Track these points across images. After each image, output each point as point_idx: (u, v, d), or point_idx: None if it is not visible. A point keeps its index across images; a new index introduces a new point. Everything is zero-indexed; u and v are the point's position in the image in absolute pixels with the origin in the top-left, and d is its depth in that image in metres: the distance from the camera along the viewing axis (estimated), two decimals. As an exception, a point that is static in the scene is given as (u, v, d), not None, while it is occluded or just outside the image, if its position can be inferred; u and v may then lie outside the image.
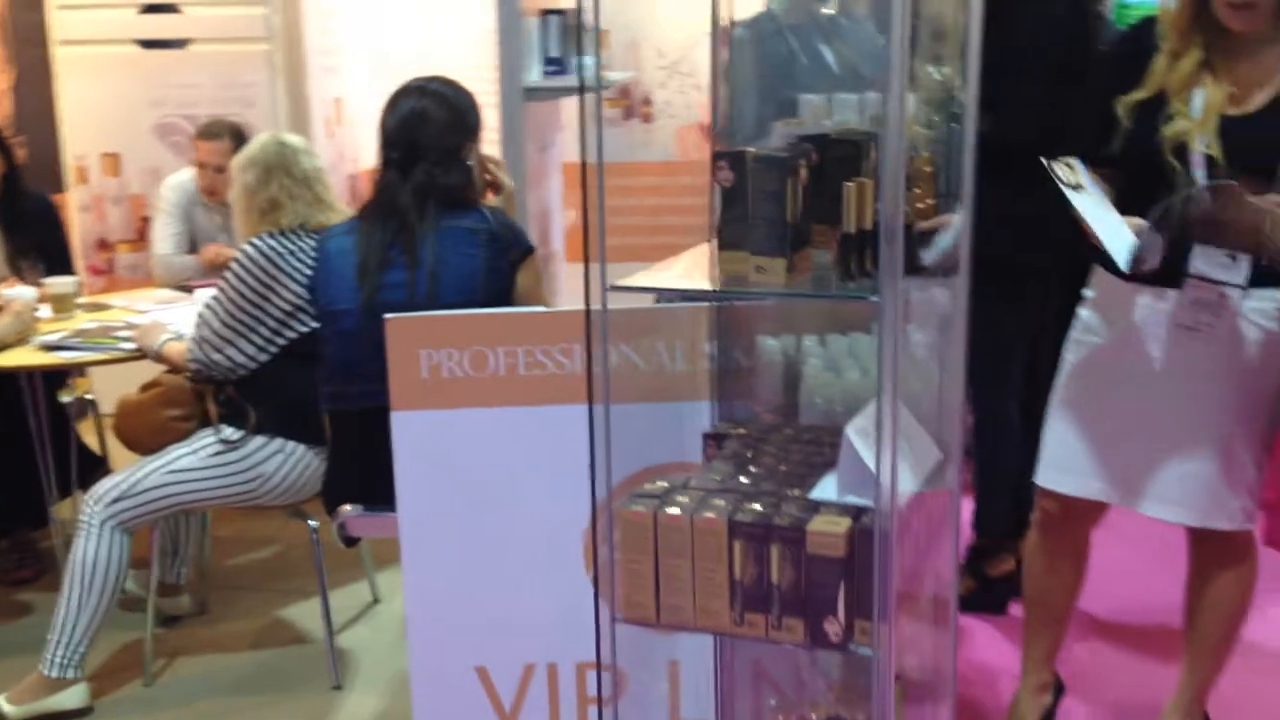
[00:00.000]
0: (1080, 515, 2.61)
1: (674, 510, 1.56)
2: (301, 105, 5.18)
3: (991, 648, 3.19)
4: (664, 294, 1.93)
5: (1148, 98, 2.30)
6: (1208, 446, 2.37)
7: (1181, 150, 2.24)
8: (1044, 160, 2.21)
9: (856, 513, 1.53)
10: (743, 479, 1.68)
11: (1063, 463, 2.54)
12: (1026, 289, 3.28)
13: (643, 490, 1.63)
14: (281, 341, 3.05)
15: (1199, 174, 2.22)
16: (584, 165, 1.57)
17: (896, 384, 1.46)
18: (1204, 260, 2.21)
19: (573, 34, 4.62)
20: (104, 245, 5.28)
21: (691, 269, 1.87)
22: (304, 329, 3.05)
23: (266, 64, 5.11)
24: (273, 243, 3.01)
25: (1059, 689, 2.85)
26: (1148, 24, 2.38)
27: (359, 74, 5.32)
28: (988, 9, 2.52)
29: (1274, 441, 2.41)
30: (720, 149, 1.58)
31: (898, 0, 1.34)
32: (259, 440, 3.06)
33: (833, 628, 1.52)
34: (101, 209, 5.25)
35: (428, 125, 2.57)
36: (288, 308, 3.02)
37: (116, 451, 3.77)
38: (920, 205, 1.69)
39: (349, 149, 5.41)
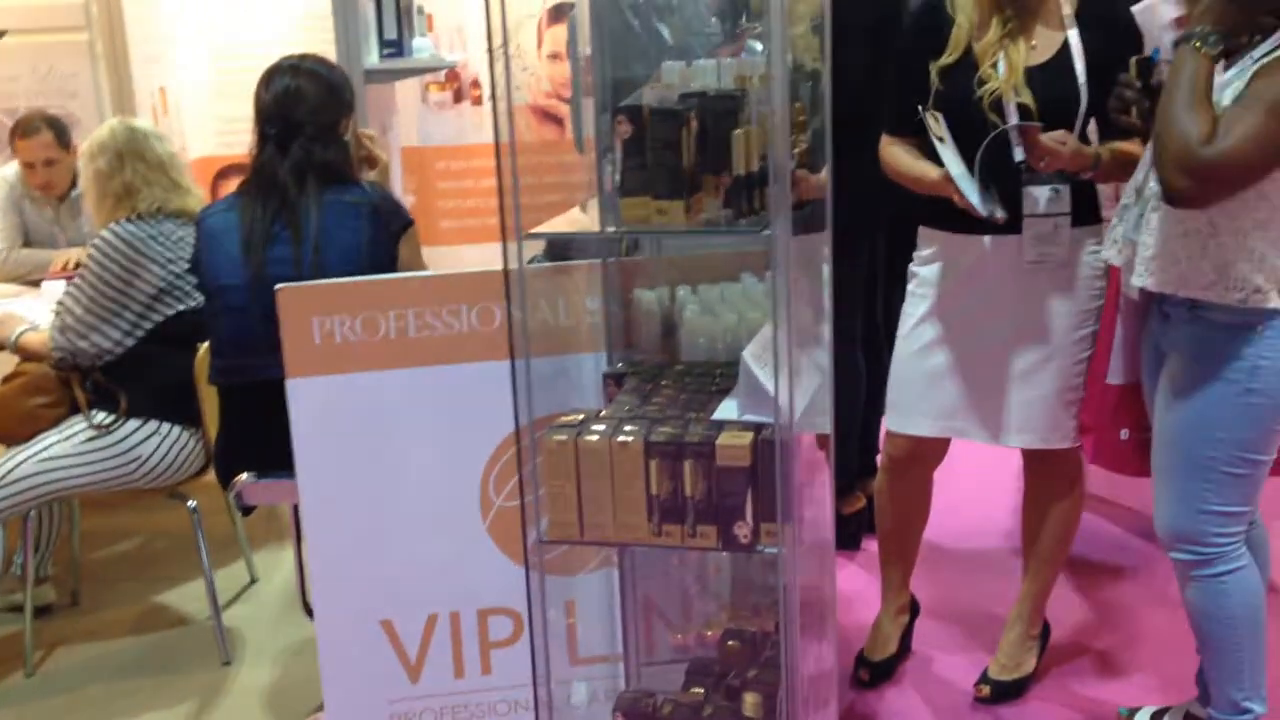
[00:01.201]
0: (925, 455, 2.87)
1: (593, 437, 1.71)
2: (125, 95, 5.08)
3: (849, 579, 3.44)
4: (577, 240, 2.07)
5: (954, 62, 2.57)
6: (1047, 371, 2.65)
7: (998, 104, 2.52)
8: (921, 110, 2.45)
9: (757, 428, 1.71)
10: (649, 408, 1.84)
11: (909, 407, 2.78)
12: (859, 247, 3.52)
13: (560, 423, 1.77)
14: (148, 325, 3.06)
15: (1014, 121, 2.50)
16: (496, 137, 1.69)
17: (791, 309, 1.63)
18: (1034, 200, 2.52)
19: (407, 16, 4.67)
20: (-74, 245, 5.07)
21: (578, 222, 2.02)
22: (170, 311, 3.07)
23: (87, 53, 5.00)
24: (132, 228, 3.01)
25: (915, 609, 3.12)
26: (937, 2, 2.63)
27: (184, 61, 5.23)
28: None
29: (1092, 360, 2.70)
30: (620, 104, 1.73)
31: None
32: (133, 424, 3.07)
33: (742, 531, 1.69)
34: (-80, 208, 5.04)
35: (303, 102, 2.64)
36: (152, 291, 3.03)
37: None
38: (796, 150, 1.87)
39: (177, 138, 5.33)
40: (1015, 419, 2.70)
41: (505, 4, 1.74)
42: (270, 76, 2.68)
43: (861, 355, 3.57)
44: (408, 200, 5.54)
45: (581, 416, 1.79)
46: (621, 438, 1.69)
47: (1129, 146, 2.49)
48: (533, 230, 1.76)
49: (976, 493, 3.92)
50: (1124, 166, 2.46)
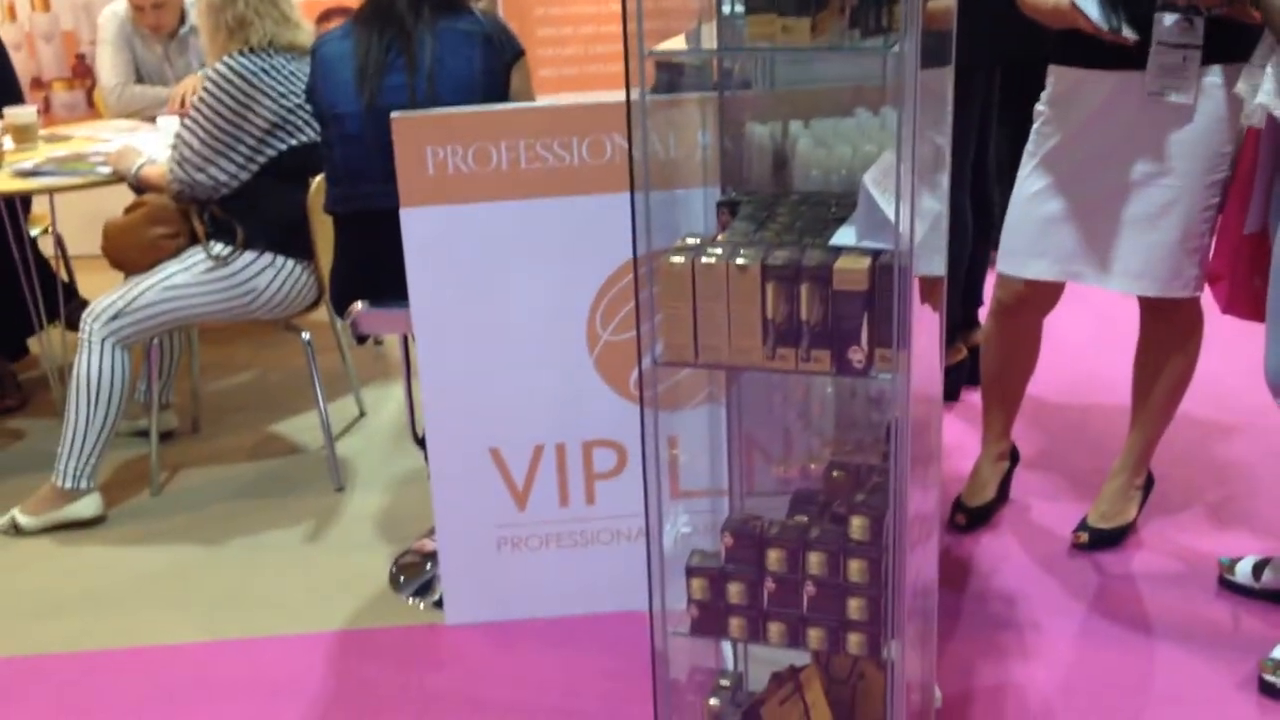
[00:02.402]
0: (1037, 301, 2.82)
1: (710, 260, 1.71)
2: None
3: (948, 429, 3.44)
4: (690, 69, 2.05)
5: None
6: (1171, 217, 2.58)
7: None
8: None
9: (875, 254, 1.69)
10: (765, 233, 1.83)
11: (1025, 249, 2.73)
12: (974, 85, 3.43)
13: (676, 246, 1.77)
14: (261, 159, 3.11)
15: None
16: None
17: (916, 131, 1.60)
18: (1164, 29, 2.43)
19: None
20: (39, 84, 5.18)
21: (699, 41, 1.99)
22: (283, 146, 3.11)
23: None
24: (245, 61, 3.04)
25: (1015, 457, 3.11)
26: None
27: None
28: None
29: (1223, 209, 2.61)
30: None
31: None
32: (249, 256, 3.14)
33: (856, 355, 1.69)
34: (33, 46, 5.14)
35: None
36: (265, 125, 3.07)
37: (86, 281, 3.81)
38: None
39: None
40: (1136, 264, 2.64)
41: None
42: (381, -90, 2.65)
43: (969, 202, 3.50)
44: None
45: (697, 241, 1.79)
46: (740, 260, 1.69)
47: None
48: (652, 49, 1.73)
49: (1085, 349, 3.87)
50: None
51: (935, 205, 2.03)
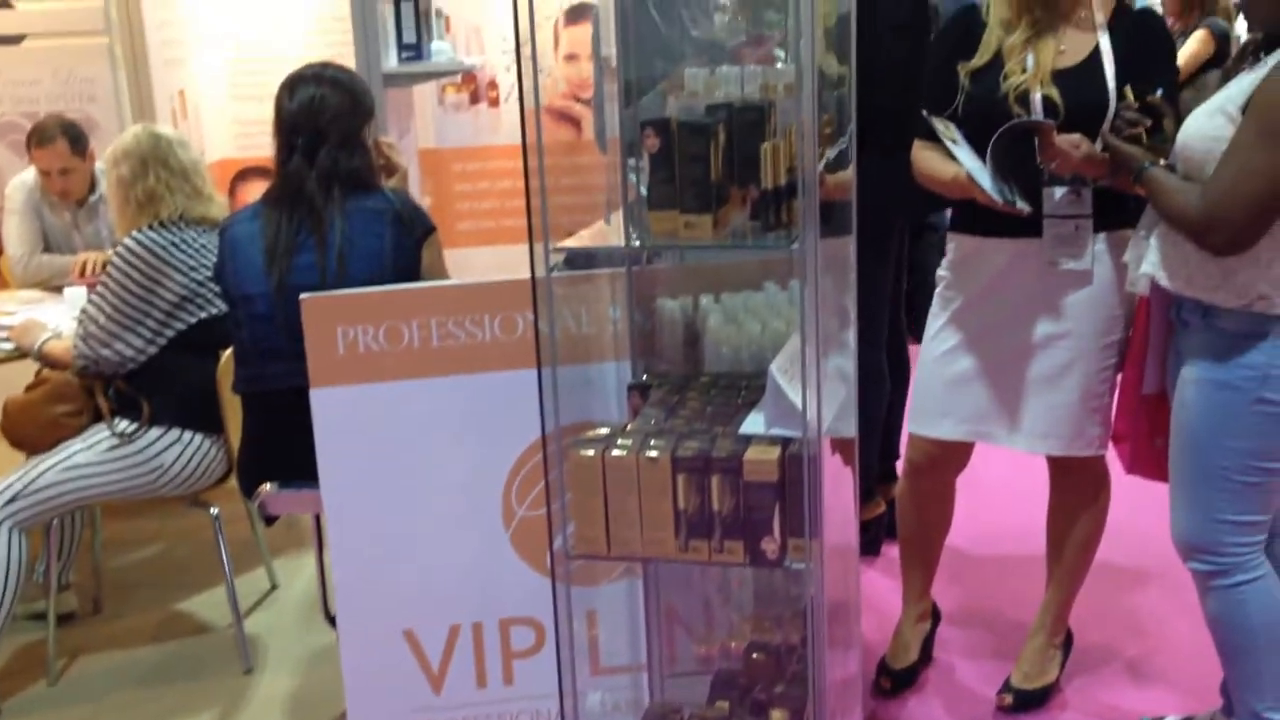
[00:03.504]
0: (948, 459, 2.86)
1: (620, 452, 1.70)
2: (145, 98, 5.07)
3: (869, 584, 3.42)
4: (601, 254, 2.06)
5: (984, 64, 2.59)
6: (1071, 378, 2.64)
7: (1024, 99, 2.52)
8: (929, 117, 2.45)
9: (784, 442, 1.70)
10: (675, 421, 1.83)
11: (933, 409, 2.77)
12: (886, 248, 3.51)
13: (586, 437, 1.76)
14: (170, 333, 3.06)
15: (1039, 117, 2.51)
16: (523, 138, 1.68)
17: (818, 324, 1.63)
18: (1054, 202, 2.53)
19: (425, 19, 4.66)
20: (-56, 250, 5.08)
21: (602, 234, 2.01)
22: (193, 319, 3.07)
23: (107, 57, 4.99)
24: (155, 235, 3.02)
25: (936, 616, 3.10)
26: (971, 7, 2.69)
27: (203, 64, 5.25)
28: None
29: (1120, 369, 2.68)
30: (646, 118, 1.72)
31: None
32: (155, 432, 3.07)
33: (770, 546, 1.69)
34: (-60, 212, 5.06)
35: (328, 110, 2.63)
36: (174, 299, 3.03)
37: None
38: (822, 160, 1.86)
39: (195, 141, 5.34)
40: (1040, 425, 2.68)
41: (533, 7, 1.73)
42: (294, 85, 2.68)
43: (885, 359, 3.56)
44: (425, 203, 5.55)
45: (607, 431, 1.79)
46: (649, 453, 1.69)
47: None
48: (560, 245, 1.75)
49: (1000, 499, 3.90)
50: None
51: (843, 377, 2.06)
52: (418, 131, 5.43)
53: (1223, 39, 5.54)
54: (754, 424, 1.74)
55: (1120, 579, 3.42)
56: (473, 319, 2.47)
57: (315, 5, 5.00)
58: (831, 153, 1.93)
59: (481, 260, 5.65)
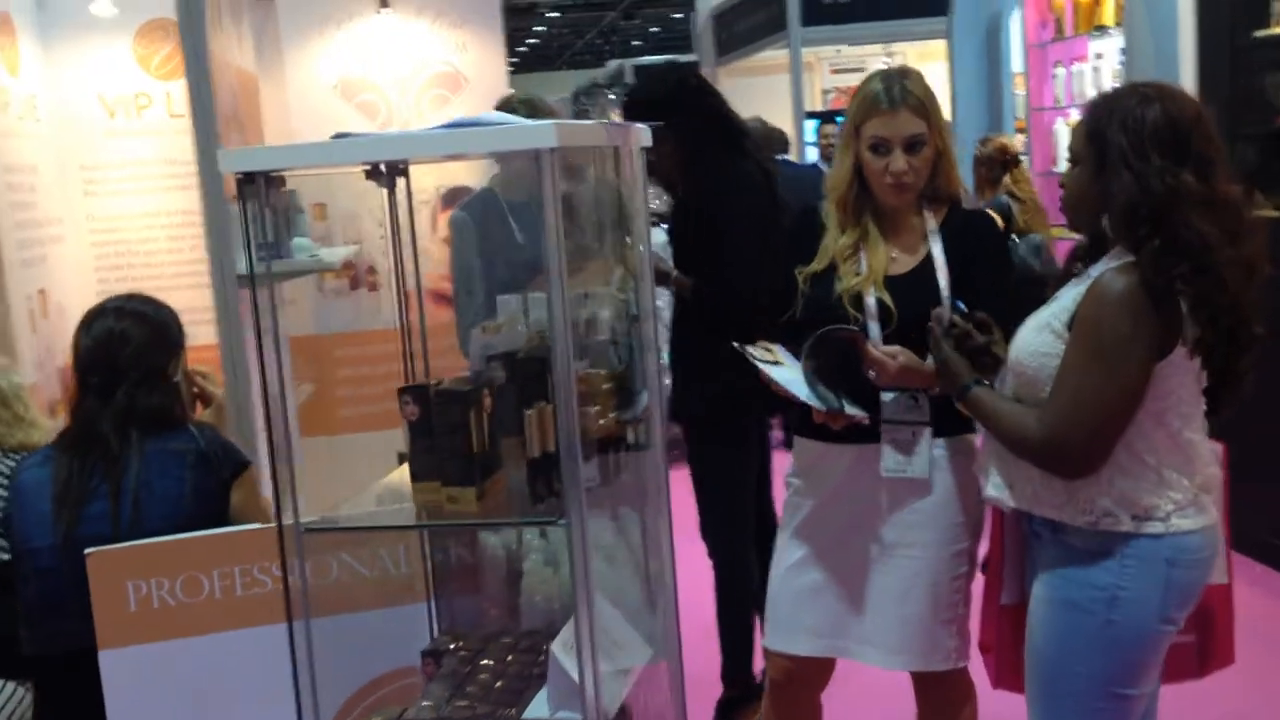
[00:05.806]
0: (808, 677, 2.72)
1: (389, 749, 1.56)
2: (0, 301, 4.92)
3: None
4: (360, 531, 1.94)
5: (821, 269, 2.55)
6: (920, 588, 2.53)
7: (858, 302, 2.47)
8: (740, 348, 2.39)
9: (569, 730, 1.57)
10: (459, 702, 1.69)
11: (787, 624, 2.65)
12: (749, 433, 3.43)
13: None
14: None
15: (873, 325, 2.46)
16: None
17: (591, 604, 1.50)
18: (889, 406, 2.46)
19: (284, 216, 4.58)
20: None
21: (397, 490, 1.89)
22: (5, 556, 2.88)
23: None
24: (-33, 465, 2.84)
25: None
26: (812, 210, 2.64)
27: (63, 263, 5.12)
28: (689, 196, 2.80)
29: (973, 577, 2.58)
30: (405, 384, 1.62)
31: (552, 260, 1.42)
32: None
33: None
34: None
35: (127, 346, 2.50)
36: (-21, 533, 2.84)
37: None
38: (601, 422, 1.76)
39: (58, 341, 5.17)
40: (892, 639, 2.56)
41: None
42: (91, 320, 2.55)
43: (754, 554, 3.44)
44: (304, 391, 5.41)
45: (397, 714, 1.64)
46: (419, 750, 1.55)
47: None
48: (312, 524, 1.62)
49: (870, 707, 3.74)
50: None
51: (643, 645, 1.94)
52: (291, 318, 5.32)
53: (1006, 216, 5.76)
54: (538, 708, 1.61)
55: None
56: (279, 564, 2.32)
57: (169, 199, 4.95)
58: (612, 400, 1.84)
59: (365, 445, 5.51)
